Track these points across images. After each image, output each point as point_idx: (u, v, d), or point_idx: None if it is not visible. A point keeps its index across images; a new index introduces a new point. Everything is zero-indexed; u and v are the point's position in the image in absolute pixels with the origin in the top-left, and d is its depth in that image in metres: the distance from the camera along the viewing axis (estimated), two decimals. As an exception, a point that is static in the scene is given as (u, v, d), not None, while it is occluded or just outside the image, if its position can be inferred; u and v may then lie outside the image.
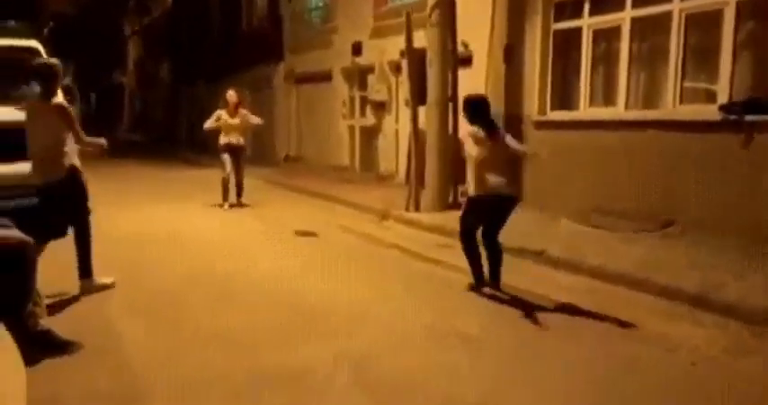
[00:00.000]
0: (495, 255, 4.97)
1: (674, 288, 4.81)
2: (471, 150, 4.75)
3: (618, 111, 7.43)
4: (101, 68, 39.06)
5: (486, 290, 5.04)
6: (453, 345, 3.99)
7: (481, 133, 4.73)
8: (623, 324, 4.32)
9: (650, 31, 7.15)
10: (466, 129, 4.90)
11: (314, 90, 15.24)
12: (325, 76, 14.29)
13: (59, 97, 4.91)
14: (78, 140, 4.84)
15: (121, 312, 4.61)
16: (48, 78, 4.78)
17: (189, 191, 11.50)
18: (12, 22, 44.00)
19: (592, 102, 7.86)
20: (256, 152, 18.44)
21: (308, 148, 15.84)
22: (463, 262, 5.21)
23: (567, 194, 7.74)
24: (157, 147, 24.34)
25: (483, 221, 4.91)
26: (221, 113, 9.50)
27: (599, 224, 7.00)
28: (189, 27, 24.27)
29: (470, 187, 4.87)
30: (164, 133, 27.48)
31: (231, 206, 9.52)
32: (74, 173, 4.82)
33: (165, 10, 26.68)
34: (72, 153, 4.84)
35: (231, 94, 9.56)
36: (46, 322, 3.64)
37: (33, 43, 7.86)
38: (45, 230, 4.84)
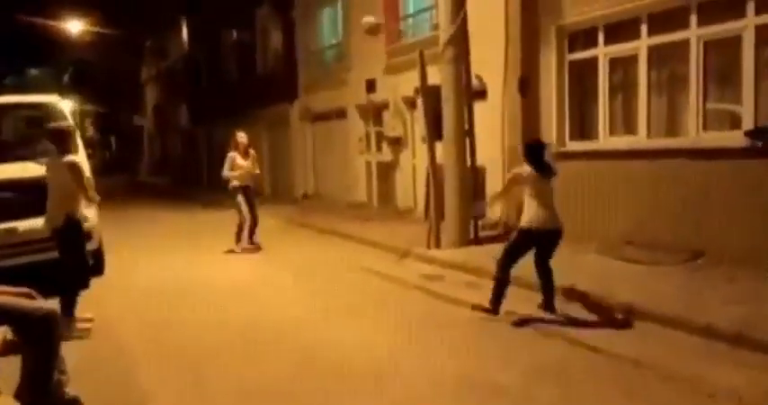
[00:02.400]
0: (549, 282, 5.42)
1: (710, 325, 4.60)
2: (526, 188, 5.31)
3: (640, 140, 7.31)
4: (120, 112, 39.96)
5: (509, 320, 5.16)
6: (493, 400, 3.76)
7: (533, 174, 5.26)
8: (658, 366, 4.12)
9: (668, 58, 7.07)
10: (524, 168, 5.40)
11: (330, 127, 15.35)
12: (341, 114, 14.40)
13: (73, 156, 5.42)
14: (85, 196, 5.43)
15: (144, 369, 4.52)
16: (62, 140, 5.35)
17: (207, 234, 11.48)
18: (33, 71, 45.22)
19: (612, 131, 7.74)
20: (273, 190, 18.56)
21: (326, 186, 15.87)
22: (485, 301, 5.10)
23: (594, 227, 7.57)
24: (177, 189, 24.62)
25: (527, 252, 5.37)
26: (234, 156, 9.44)
27: (628, 257, 6.81)
28: (205, 70, 24.77)
29: (524, 218, 5.30)
30: (183, 175, 27.83)
31: (243, 250, 9.41)
32: (73, 221, 5.28)
33: (181, 54, 27.29)
34: (77, 204, 5.35)
35: (242, 136, 9.58)
36: (72, 389, 3.56)
37: (53, 99, 7.98)
38: (69, 283, 5.22)
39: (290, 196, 16.90)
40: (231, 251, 9.38)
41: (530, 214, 5.24)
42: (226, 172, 9.42)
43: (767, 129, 5.92)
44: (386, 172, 13.01)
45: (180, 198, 20.31)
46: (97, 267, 7.48)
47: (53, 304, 3.38)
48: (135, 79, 37.25)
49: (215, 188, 21.68)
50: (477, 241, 8.42)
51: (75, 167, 5.27)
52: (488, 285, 6.62)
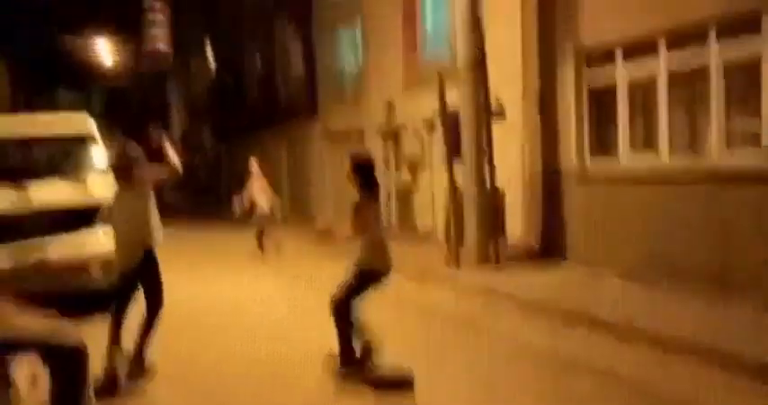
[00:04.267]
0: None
1: (737, 356, 4.47)
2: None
3: (661, 160, 7.19)
4: (146, 136, 40.69)
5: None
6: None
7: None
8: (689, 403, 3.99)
9: (688, 79, 6.97)
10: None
11: (348, 148, 15.40)
12: (359, 134, 14.47)
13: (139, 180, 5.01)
14: (172, 171, 5.17)
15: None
16: (124, 168, 4.90)
17: (232, 254, 11.59)
18: (64, 93, 45.92)
19: (633, 151, 7.64)
20: (293, 209, 18.67)
21: (345, 205, 15.91)
22: (514, 326, 4.99)
23: (615, 250, 7.45)
24: (202, 208, 24.91)
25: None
26: (245, 194, 10.54)
27: (650, 282, 6.69)
28: (229, 90, 25.21)
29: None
30: (208, 194, 28.23)
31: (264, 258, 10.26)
32: (150, 253, 4.84)
33: (206, 75, 27.84)
34: (154, 230, 4.89)
35: (253, 163, 10.52)
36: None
37: (83, 116, 8.22)
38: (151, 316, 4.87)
39: (309, 216, 16.99)
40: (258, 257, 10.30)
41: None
42: (236, 208, 10.50)
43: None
44: (404, 194, 13.00)
45: (202, 216, 20.55)
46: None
47: (83, 332, 3.29)
48: (163, 103, 37.99)
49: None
50: (497, 263, 8.35)
51: (132, 165, 4.87)
52: (503, 306, 6.59)
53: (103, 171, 7.08)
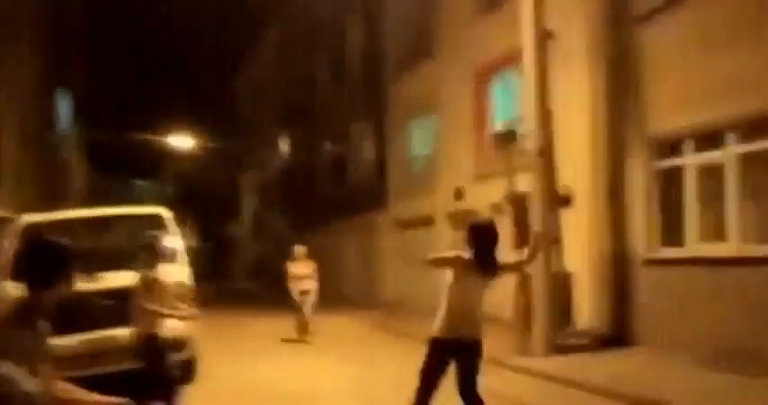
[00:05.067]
0: None
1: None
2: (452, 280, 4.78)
3: (730, 247, 7.38)
4: (219, 221, 42.75)
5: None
6: None
7: (467, 261, 4.60)
8: None
9: (757, 166, 7.28)
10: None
11: (417, 234, 15.96)
12: (428, 221, 15.03)
13: (166, 269, 5.69)
14: (161, 314, 5.48)
15: None
16: (151, 253, 5.64)
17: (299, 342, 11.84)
18: (140, 182, 49.15)
19: (702, 238, 7.86)
20: (359, 296, 19.09)
21: (411, 292, 16.23)
22: None
23: (687, 335, 7.52)
24: (271, 295, 25.53)
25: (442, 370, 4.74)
26: (289, 266, 11.59)
27: (724, 368, 6.70)
28: (301, 179, 26.56)
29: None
30: (276, 280, 29.01)
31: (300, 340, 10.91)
32: (151, 340, 5.43)
33: (279, 165, 29.49)
34: (157, 321, 5.46)
35: (298, 249, 11.67)
36: None
37: (160, 210, 8.59)
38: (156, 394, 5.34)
39: (376, 302, 17.32)
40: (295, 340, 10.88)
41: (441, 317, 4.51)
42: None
43: None
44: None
45: (272, 304, 21.06)
46: (189, 375, 7.58)
47: None
48: (234, 189, 40.09)
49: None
50: (566, 350, 8.44)
51: (154, 284, 5.44)
52: (578, 396, 6.64)
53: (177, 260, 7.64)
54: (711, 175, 7.80)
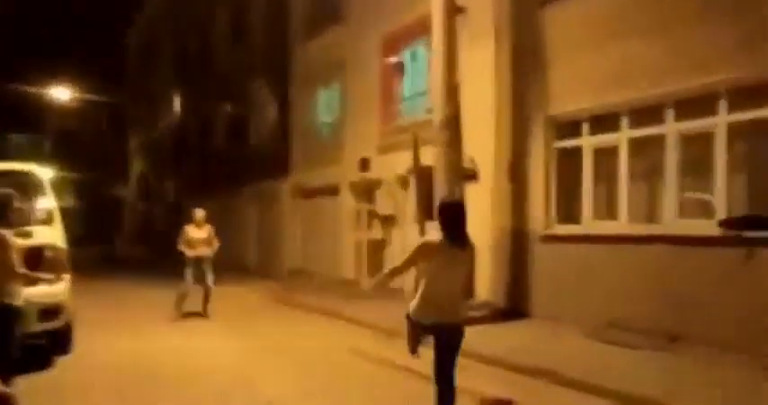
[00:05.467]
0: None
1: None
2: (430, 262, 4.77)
3: (621, 225, 7.99)
4: (103, 182, 40.66)
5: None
6: None
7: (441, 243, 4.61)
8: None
9: (647, 149, 7.87)
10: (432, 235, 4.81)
11: (320, 204, 15.98)
12: (333, 191, 15.07)
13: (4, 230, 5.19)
14: (12, 276, 5.09)
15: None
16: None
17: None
18: (15, 136, 46.01)
19: (596, 216, 8.44)
20: (261, 265, 18.96)
21: (314, 262, 16.32)
22: (482, 386, 5.17)
23: (579, 308, 8.11)
24: (157, 262, 24.74)
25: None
26: (187, 229, 10.95)
27: (611, 339, 7.29)
28: (195, 141, 25.63)
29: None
30: (164, 248, 28.07)
31: (187, 315, 10.43)
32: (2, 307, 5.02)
33: (171, 125, 28.28)
34: (9, 284, 5.08)
35: (197, 211, 11.26)
36: None
37: (31, 167, 8.16)
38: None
39: (278, 272, 17.27)
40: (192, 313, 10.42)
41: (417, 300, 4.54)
42: (180, 246, 10.92)
43: (739, 219, 6.60)
44: (376, 250, 13.51)
45: (159, 272, 20.44)
46: (65, 346, 7.36)
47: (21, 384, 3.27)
48: (120, 149, 38.18)
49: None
50: (466, 322, 8.81)
51: (3, 243, 5.04)
52: (472, 366, 6.97)
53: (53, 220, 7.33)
54: (606, 156, 8.33)
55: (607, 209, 8.34)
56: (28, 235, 6.63)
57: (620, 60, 7.83)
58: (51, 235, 7.04)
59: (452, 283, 4.48)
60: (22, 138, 54.84)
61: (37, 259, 6.46)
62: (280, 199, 17.90)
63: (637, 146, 7.92)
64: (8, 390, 2.73)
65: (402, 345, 8.12)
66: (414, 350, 4.85)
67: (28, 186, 7.62)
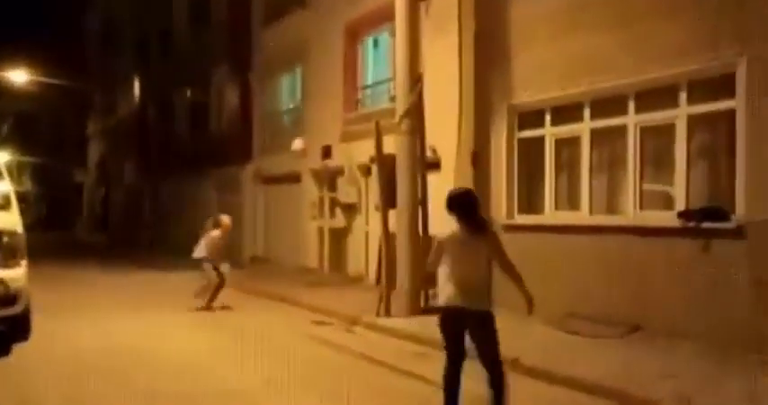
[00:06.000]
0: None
1: (648, 400, 4.95)
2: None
3: (582, 215, 7.86)
4: (61, 166, 39.32)
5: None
6: None
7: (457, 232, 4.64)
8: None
9: (609, 140, 7.74)
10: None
11: (282, 191, 15.62)
12: (295, 178, 14.72)
13: None
14: None
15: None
16: None
17: (144, 298, 11.31)
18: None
19: (557, 206, 8.30)
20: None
21: (276, 249, 15.97)
22: (439, 374, 5.09)
23: (540, 298, 7.91)
24: (116, 249, 24.04)
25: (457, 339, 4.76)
26: (214, 237, 10.29)
27: (572, 329, 7.19)
28: (155, 126, 24.87)
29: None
30: (124, 234, 27.32)
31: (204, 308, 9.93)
32: None
33: (131, 109, 27.38)
34: None
35: (225, 218, 10.70)
36: None
37: None
38: None
39: (239, 259, 16.85)
40: (204, 309, 9.86)
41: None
42: (202, 253, 10.12)
43: (698, 211, 6.51)
44: (338, 238, 13.26)
45: (119, 258, 19.85)
46: (22, 333, 6.96)
47: None
48: (79, 133, 36.91)
49: (158, 248, 21.46)
50: (428, 311, 8.66)
51: None
52: (437, 356, 6.84)
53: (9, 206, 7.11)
54: (568, 147, 8.19)
55: (569, 199, 8.20)
56: None
57: (583, 51, 7.66)
58: (8, 220, 6.81)
59: (473, 271, 4.45)
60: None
61: None
62: (241, 185, 17.46)
63: (599, 137, 7.79)
64: None
65: (361, 332, 8.12)
66: (456, 354, 4.55)
67: None
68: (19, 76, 29.05)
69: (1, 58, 29.12)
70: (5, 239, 6.51)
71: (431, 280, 4.65)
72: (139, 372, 6.23)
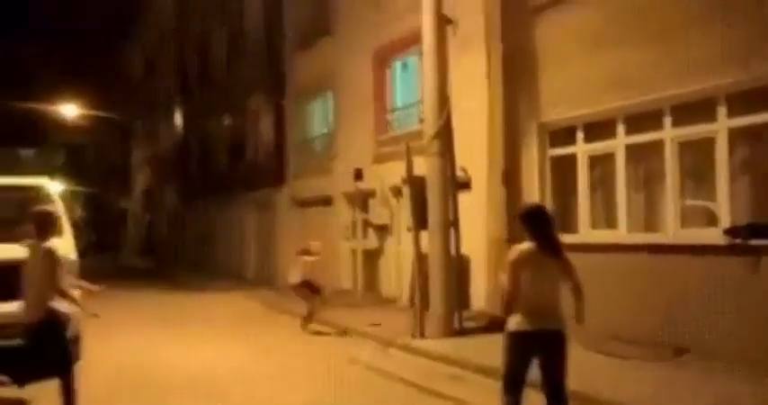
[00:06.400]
0: None
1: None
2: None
3: (620, 233, 7.44)
4: (109, 194, 40.15)
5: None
6: None
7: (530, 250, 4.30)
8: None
9: (645, 156, 7.35)
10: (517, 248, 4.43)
11: (315, 213, 15.46)
12: (327, 201, 14.56)
13: (55, 240, 5.09)
14: (53, 286, 4.91)
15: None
16: (43, 225, 5.06)
17: (188, 320, 11.25)
18: (25, 152, 45.85)
19: (593, 225, 7.90)
20: (259, 273, 18.40)
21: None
22: (474, 397, 4.89)
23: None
24: (161, 272, 24.21)
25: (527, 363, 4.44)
26: (306, 262, 10.08)
27: (612, 351, 6.75)
28: (196, 153, 25.16)
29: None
30: (167, 258, 27.56)
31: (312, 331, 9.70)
32: (52, 317, 4.88)
33: (173, 138, 27.80)
34: (53, 297, 4.92)
35: (315, 245, 10.51)
36: None
37: (42, 181, 8.15)
38: (25, 371, 4.97)
39: (274, 281, 16.73)
40: (319, 333, 9.58)
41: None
42: (296, 278, 10.00)
43: (745, 227, 6.07)
44: (371, 259, 13.01)
45: (163, 280, 19.95)
46: (74, 354, 7.22)
47: (31, 392, 3.19)
48: (124, 162, 37.69)
49: (199, 271, 21.54)
50: (462, 332, 8.31)
51: (51, 254, 4.93)
52: (472, 379, 6.52)
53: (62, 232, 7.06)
54: (602, 164, 7.81)
55: (605, 217, 7.79)
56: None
57: (615, 66, 7.32)
58: (62, 246, 6.70)
59: (549, 290, 4.17)
60: (31, 153, 54.53)
61: None
62: (276, 209, 17.39)
63: (634, 152, 7.39)
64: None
65: (396, 354, 7.87)
66: (517, 381, 4.22)
67: (39, 200, 7.48)
68: (70, 111, 30.08)
69: (54, 94, 30.06)
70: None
71: (514, 305, 4.17)
72: (183, 393, 6.24)
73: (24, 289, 5.11)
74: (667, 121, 6.96)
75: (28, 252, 5.09)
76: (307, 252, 10.26)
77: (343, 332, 9.55)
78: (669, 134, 6.95)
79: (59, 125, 40.12)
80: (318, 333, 9.61)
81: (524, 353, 4.15)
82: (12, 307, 6.11)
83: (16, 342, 5.20)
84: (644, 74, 7.01)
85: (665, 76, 6.79)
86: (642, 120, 7.23)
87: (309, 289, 9.98)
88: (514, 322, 4.15)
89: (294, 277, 10.01)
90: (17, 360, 5.09)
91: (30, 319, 4.91)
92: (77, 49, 37.29)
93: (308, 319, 9.86)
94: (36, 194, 7.74)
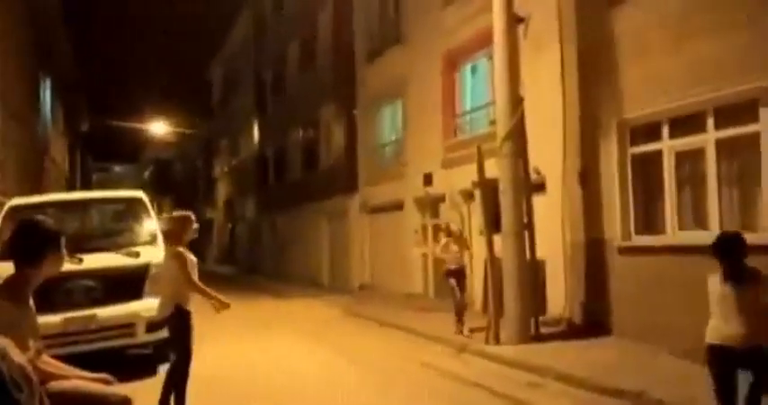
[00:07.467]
0: None
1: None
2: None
3: (711, 234, 6.66)
4: (194, 205, 41.45)
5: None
6: None
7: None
8: None
9: (738, 151, 6.58)
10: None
11: (387, 219, 15.17)
12: (398, 206, 14.24)
13: (181, 248, 5.28)
14: (189, 285, 5.16)
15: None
16: (182, 228, 5.36)
17: (269, 324, 11.15)
18: (117, 168, 48.33)
19: (681, 225, 7.15)
20: (333, 280, 18.26)
21: (382, 276, 15.46)
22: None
23: (665, 325, 6.81)
24: (243, 279, 24.56)
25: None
26: (448, 241, 9.18)
27: (698, 359, 6.03)
28: (272, 164, 25.49)
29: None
30: (249, 265, 28.00)
31: (471, 331, 8.53)
32: (179, 312, 5.09)
33: (251, 150, 28.31)
34: (183, 296, 5.15)
35: (453, 224, 9.58)
36: None
37: (138, 194, 8.47)
38: (172, 371, 5.14)
39: (347, 286, 16.55)
40: (460, 333, 8.56)
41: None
42: (438, 252, 9.44)
43: None
44: (442, 264, 12.54)
45: (245, 287, 20.11)
46: (167, 355, 7.11)
47: (129, 390, 3.09)
48: (208, 175, 38.79)
49: (278, 278, 21.66)
50: (538, 338, 7.75)
51: (180, 255, 5.18)
52: (549, 385, 5.99)
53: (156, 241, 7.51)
54: (690, 160, 7.08)
55: (694, 217, 7.04)
56: (136, 254, 7.17)
57: (703, 56, 6.60)
58: (155, 254, 7.05)
59: (738, 316, 4.01)
60: (124, 168, 57.24)
61: (143, 276, 7.03)
62: (348, 216, 17.21)
63: (726, 147, 6.62)
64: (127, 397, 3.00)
65: (469, 359, 7.39)
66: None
67: (135, 211, 8.08)
68: (159, 128, 31.45)
69: (145, 114, 31.49)
70: (153, 271, 6.84)
71: None
72: (269, 395, 6.16)
73: (160, 288, 5.44)
74: (763, 112, 6.18)
75: (165, 255, 5.43)
76: (448, 232, 9.27)
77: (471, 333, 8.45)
78: (764, 126, 6.18)
79: (150, 142, 41.93)
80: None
81: (724, 368, 4.11)
82: (138, 306, 6.88)
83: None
84: (735, 62, 6.27)
85: (759, 63, 6.04)
86: (734, 111, 6.48)
87: (457, 279, 8.91)
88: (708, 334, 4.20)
89: (450, 262, 9.03)
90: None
91: (162, 315, 5.19)
92: (169, 70, 38.91)
93: (459, 319, 8.66)
94: (133, 206, 8.14)
